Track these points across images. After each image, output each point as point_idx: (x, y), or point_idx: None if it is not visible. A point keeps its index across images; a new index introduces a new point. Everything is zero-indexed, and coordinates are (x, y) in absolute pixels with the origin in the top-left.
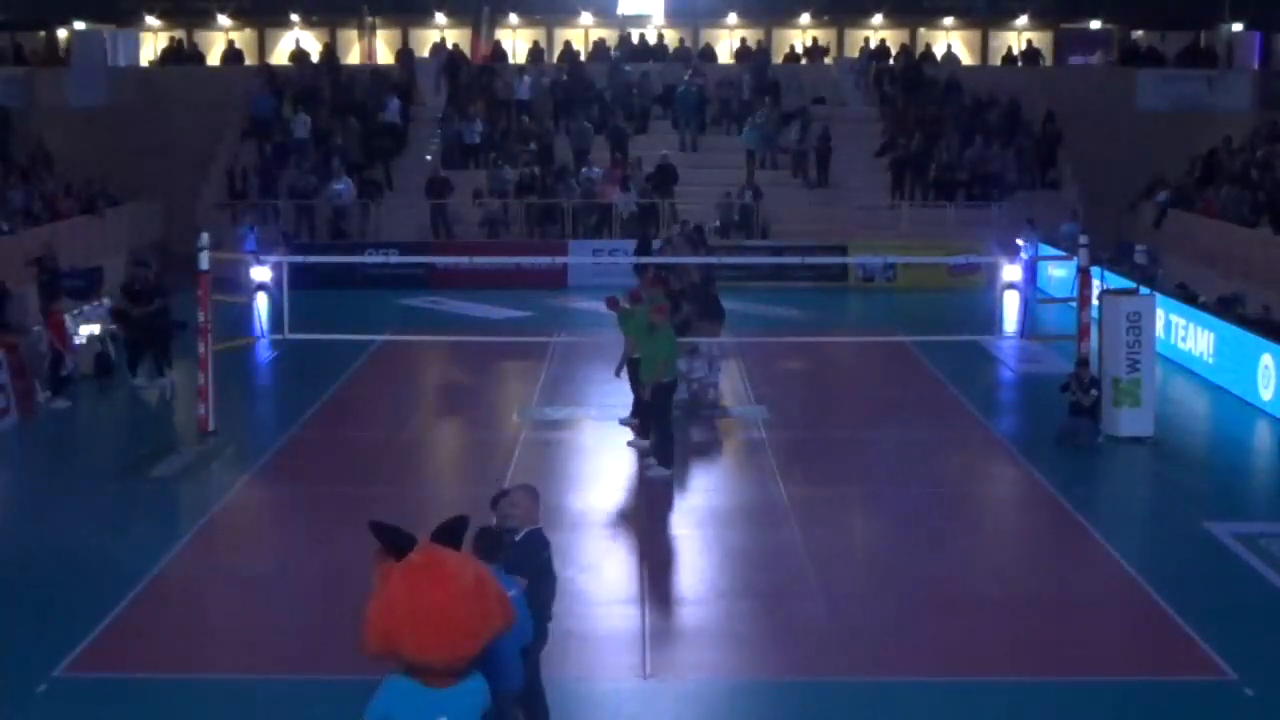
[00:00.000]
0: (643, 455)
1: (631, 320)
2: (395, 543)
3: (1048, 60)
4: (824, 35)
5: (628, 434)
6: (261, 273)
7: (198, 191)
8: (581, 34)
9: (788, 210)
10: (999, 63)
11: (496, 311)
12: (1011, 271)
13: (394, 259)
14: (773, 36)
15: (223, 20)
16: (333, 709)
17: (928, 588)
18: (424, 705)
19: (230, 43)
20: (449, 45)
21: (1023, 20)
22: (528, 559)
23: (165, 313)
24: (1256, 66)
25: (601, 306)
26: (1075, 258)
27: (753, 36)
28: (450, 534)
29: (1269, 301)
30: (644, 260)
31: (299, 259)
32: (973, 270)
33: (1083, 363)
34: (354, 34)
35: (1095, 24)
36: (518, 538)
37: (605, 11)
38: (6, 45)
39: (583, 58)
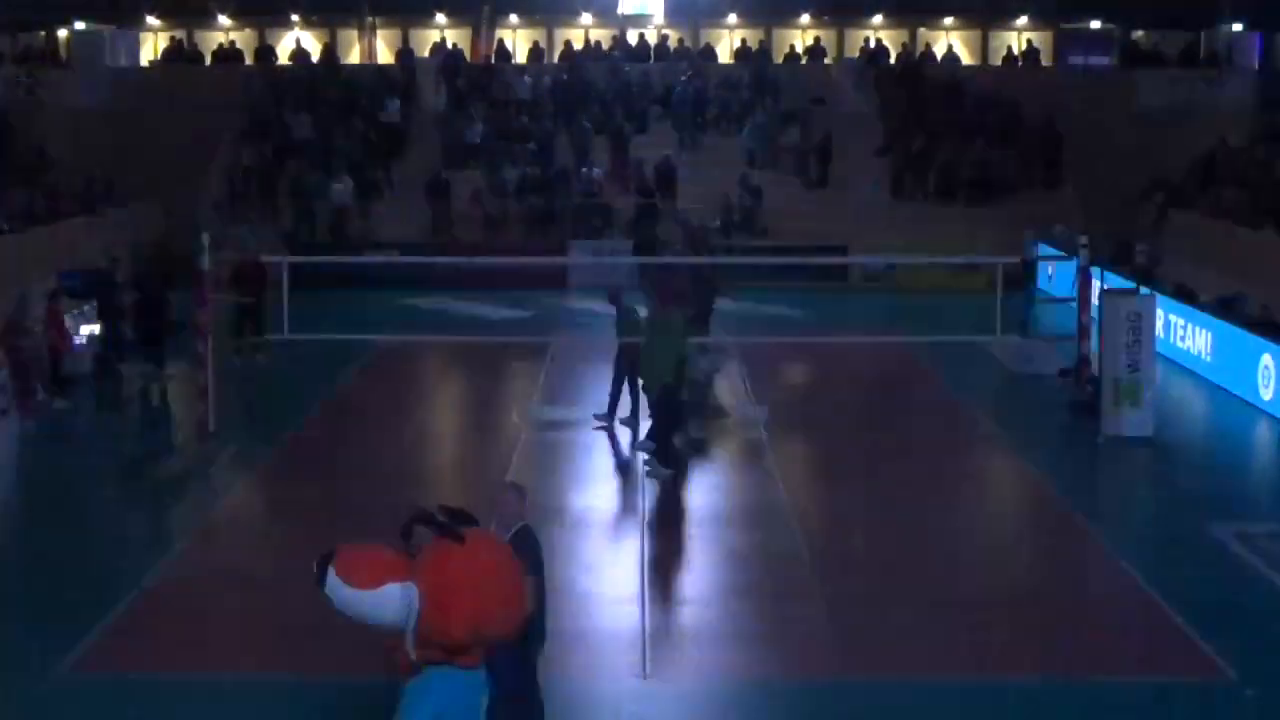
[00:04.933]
0: (648, 458)
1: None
2: (453, 528)
3: (1048, 60)
4: (824, 35)
5: (626, 434)
6: None
7: (198, 191)
8: (581, 34)
9: (788, 210)
10: (999, 63)
11: (496, 311)
12: (1012, 271)
13: (394, 259)
14: (773, 36)
15: (223, 20)
16: (333, 709)
17: (927, 588)
18: (469, 689)
19: (230, 43)
20: (449, 45)
21: (1023, 20)
22: (524, 556)
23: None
24: (1256, 66)
25: (601, 307)
26: (1075, 258)
27: (753, 36)
28: (469, 518)
29: (1269, 301)
30: (646, 260)
31: (293, 259)
32: (973, 270)
33: (1083, 361)
34: (354, 34)
35: (1095, 24)
36: (507, 536)
37: (605, 11)
38: (6, 45)
39: (583, 58)
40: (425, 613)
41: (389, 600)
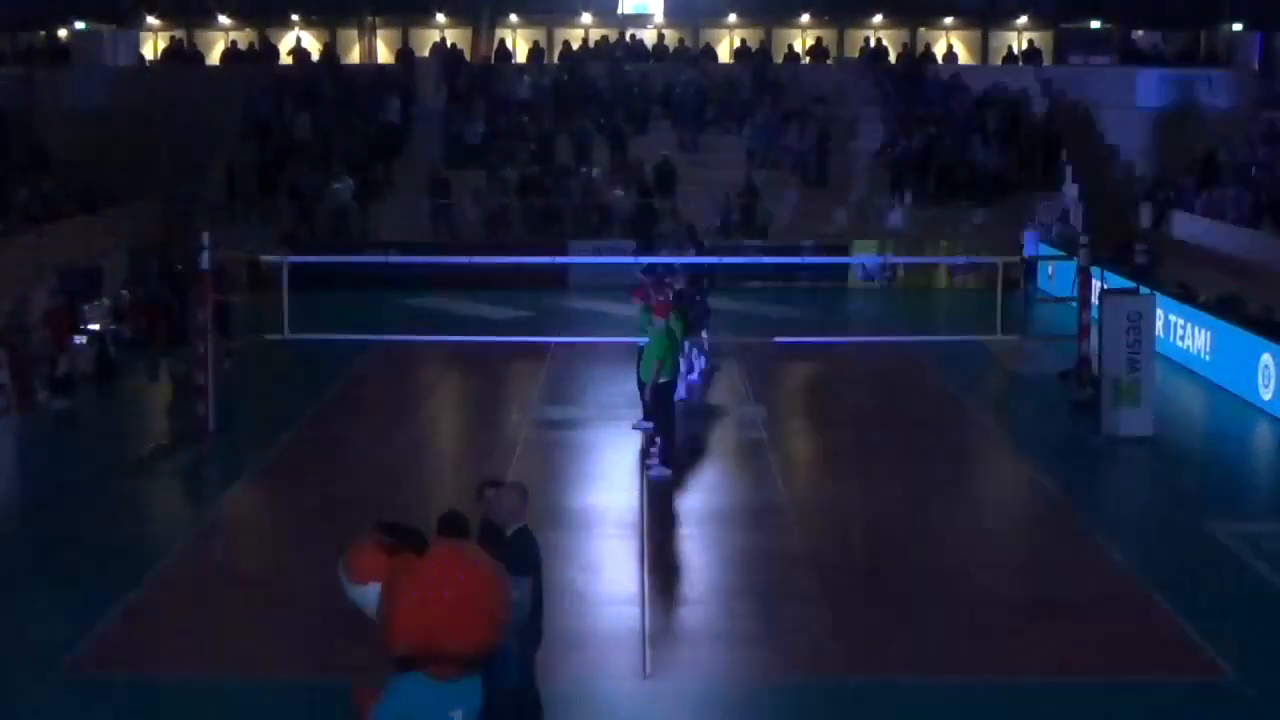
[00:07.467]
0: (645, 455)
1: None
2: (414, 539)
3: (1048, 60)
4: (824, 35)
5: (627, 434)
6: None
7: (198, 191)
8: (581, 34)
9: (788, 210)
10: (999, 63)
11: (496, 311)
12: (1012, 271)
13: (394, 259)
14: (773, 36)
15: (223, 20)
16: (332, 709)
17: (927, 587)
18: (438, 700)
19: (230, 43)
20: (449, 45)
21: (1023, 20)
22: (521, 557)
23: None
24: (1256, 66)
25: (601, 306)
26: (1075, 257)
27: (753, 36)
28: (456, 525)
29: (1269, 301)
30: (648, 260)
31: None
32: (973, 270)
33: (1083, 361)
34: (354, 34)
35: (1095, 24)
36: (506, 535)
37: (605, 11)
38: (6, 45)
39: (582, 58)
40: (379, 618)
41: (372, 598)
